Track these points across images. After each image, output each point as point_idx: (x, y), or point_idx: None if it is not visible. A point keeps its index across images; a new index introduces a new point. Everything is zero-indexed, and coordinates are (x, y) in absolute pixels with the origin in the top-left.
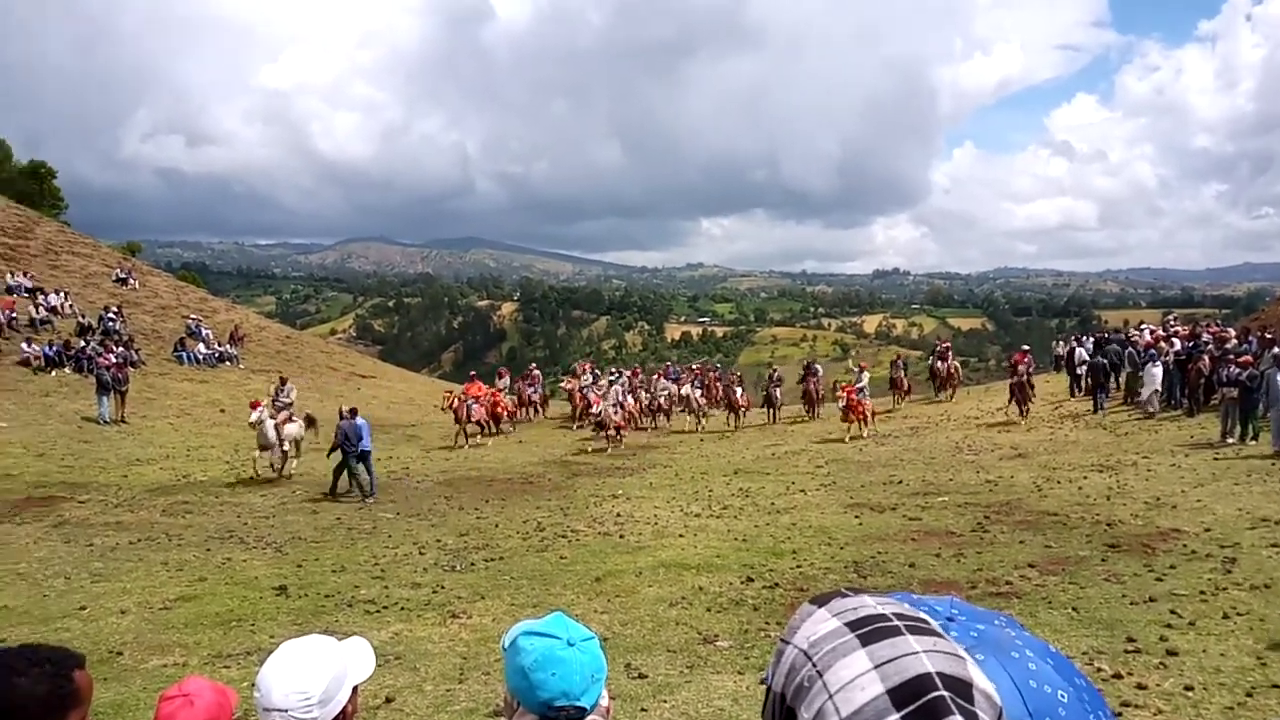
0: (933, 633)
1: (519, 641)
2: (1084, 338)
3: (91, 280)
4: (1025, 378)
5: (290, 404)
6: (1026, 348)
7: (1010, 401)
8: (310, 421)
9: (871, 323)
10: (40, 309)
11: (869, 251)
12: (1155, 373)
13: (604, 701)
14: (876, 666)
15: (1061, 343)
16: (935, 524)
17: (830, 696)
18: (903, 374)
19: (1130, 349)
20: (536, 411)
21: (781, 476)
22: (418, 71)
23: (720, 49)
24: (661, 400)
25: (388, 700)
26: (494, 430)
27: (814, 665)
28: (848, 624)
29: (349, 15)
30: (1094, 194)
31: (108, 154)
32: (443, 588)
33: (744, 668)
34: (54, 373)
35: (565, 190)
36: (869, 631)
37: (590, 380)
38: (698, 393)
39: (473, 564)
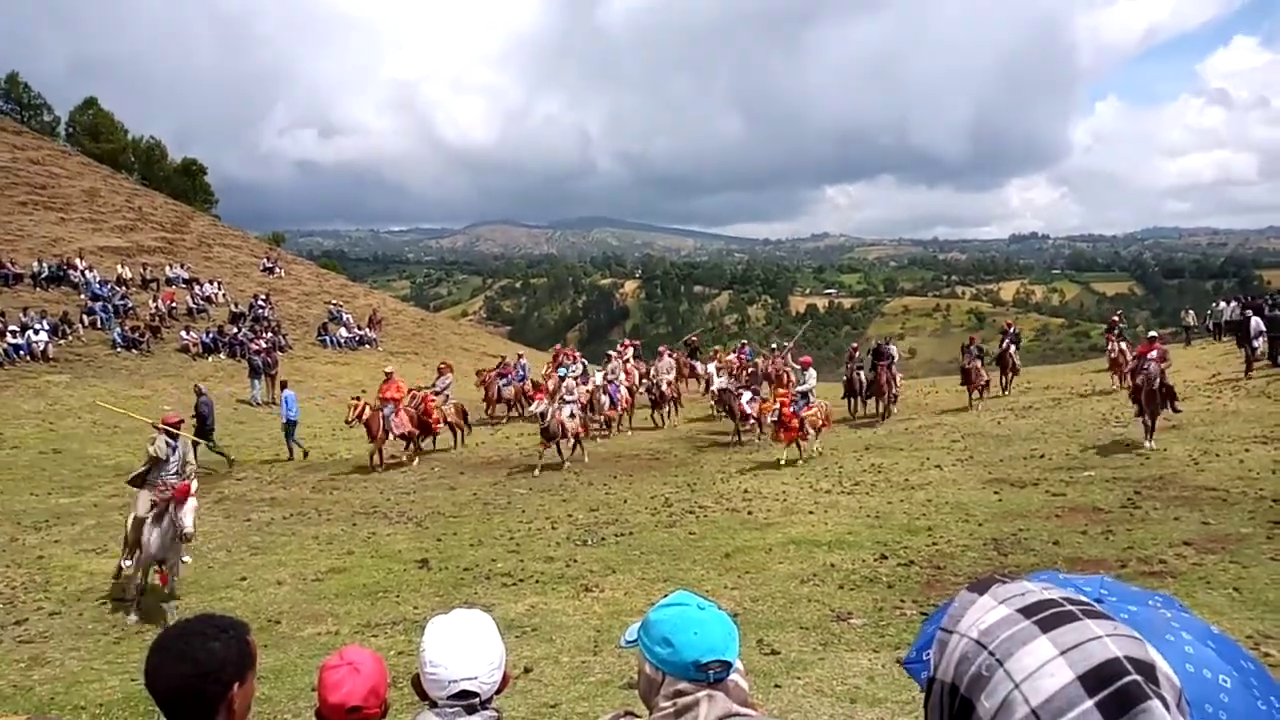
0: (1107, 616)
1: (651, 618)
2: (1231, 300)
3: (241, 270)
4: (1154, 381)
5: (187, 465)
6: (1154, 335)
7: (1137, 416)
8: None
9: (1009, 290)
10: (196, 299)
11: (1004, 215)
12: None
13: (740, 665)
14: (1062, 653)
15: (1188, 313)
16: (1081, 499)
17: (1016, 685)
18: (978, 362)
19: None
20: (510, 409)
21: (915, 452)
22: (537, 54)
23: (844, 12)
24: (664, 388)
25: (526, 670)
26: (417, 447)
27: (991, 654)
28: (1019, 610)
29: (469, 1)
30: (1254, 144)
31: (249, 149)
32: (575, 561)
33: (879, 645)
34: (210, 358)
35: (685, 165)
36: (1046, 617)
37: (579, 370)
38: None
39: (603, 539)
